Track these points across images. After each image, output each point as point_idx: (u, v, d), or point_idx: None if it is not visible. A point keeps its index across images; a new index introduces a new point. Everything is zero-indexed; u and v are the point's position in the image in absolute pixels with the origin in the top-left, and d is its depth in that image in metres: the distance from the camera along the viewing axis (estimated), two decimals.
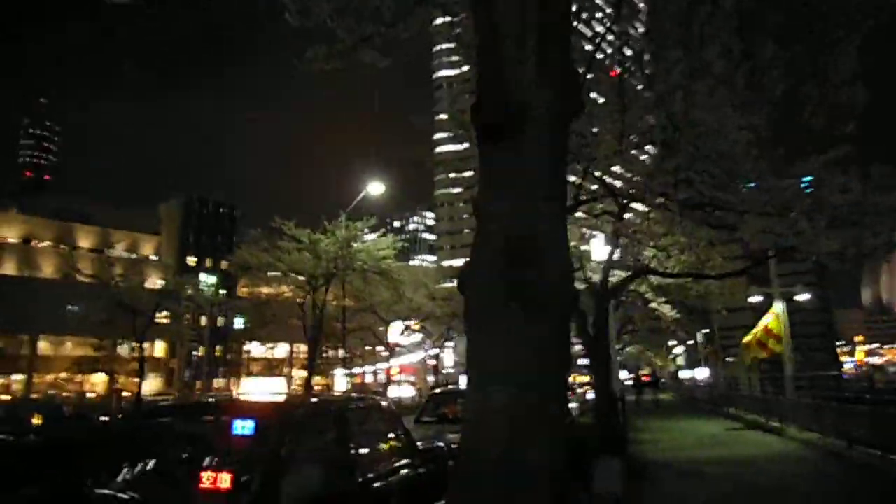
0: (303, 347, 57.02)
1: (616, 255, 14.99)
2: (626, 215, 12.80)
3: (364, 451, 4.81)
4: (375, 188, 25.28)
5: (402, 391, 45.72)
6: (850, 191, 8.04)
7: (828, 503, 8.66)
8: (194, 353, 71.56)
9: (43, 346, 65.42)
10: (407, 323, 39.98)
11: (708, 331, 53.80)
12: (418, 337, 46.06)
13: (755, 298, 24.89)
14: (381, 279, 26.06)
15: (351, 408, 5.18)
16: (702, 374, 49.37)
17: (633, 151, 10.65)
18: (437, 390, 15.44)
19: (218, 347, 72.15)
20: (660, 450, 14.63)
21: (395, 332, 47.16)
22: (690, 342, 47.08)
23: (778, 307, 19.41)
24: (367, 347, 51.23)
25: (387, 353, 45.98)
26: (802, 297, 29.52)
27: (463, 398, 3.03)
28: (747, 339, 20.26)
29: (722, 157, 9.28)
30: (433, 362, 63.39)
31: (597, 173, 11.43)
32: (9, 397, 56.89)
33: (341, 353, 39.82)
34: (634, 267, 13.50)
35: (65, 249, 67.76)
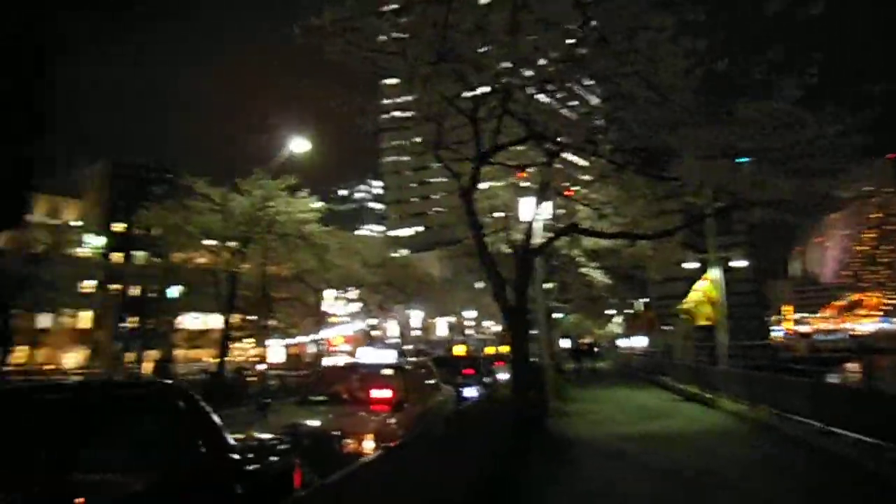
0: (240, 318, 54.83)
1: (547, 215, 13.61)
2: (556, 165, 11.37)
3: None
4: (299, 145, 23.15)
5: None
6: (804, 127, 6.70)
7: (756, 493, 7.49)
8: (122, 324, 67.82)
9: None
10: (339, 292, 38.19)
11: (647, 300, 54.08)
12: (356, 307, 44.37)
13: (690, 265, 24.01)
14: (304, 245, 24.08)
15: None
16: (639, 342, 49.52)
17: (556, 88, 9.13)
18: (328, 363, 13.76)
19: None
20: (590, 423, 13.49)
21: (329, 301, 45.37)
22: (629, 311, 46.96)
23: (714, 273, 18.51)
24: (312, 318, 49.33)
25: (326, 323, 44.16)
26: (738, 264, 28.97)
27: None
28: (686, 304, 19.38)
29: (659, 91, 7.85)
30: (378, 332, 62.01)
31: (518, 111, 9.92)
32: None
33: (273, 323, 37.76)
34: (560, 227, 12.13)
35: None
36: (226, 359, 27.39)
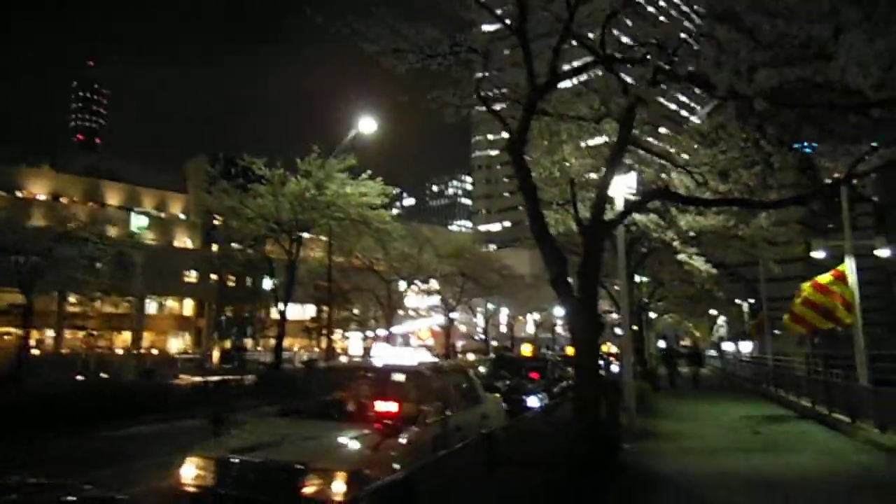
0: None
1: (627, 184, 10.49)
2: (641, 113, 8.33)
3: None
4: (366, 125, 21.04)
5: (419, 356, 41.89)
6: None
7: None
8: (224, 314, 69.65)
9: (72, 301, 64.50)
10: (417, 283, 36.07)
11: (753, 301, 48.18)
12: (436, 300, 42.19)
13: (818, 254, 19.25)
14: (367, 230, 21.94)
15: None
16: (745, 347, 44.07)
17: None
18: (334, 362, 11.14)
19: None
20: (683, 451, 10.23)
21: (411, 294, 43.44)
22: (734, 312, 41.72)
23: (849, 265, 14.41)
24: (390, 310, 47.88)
25: (402, 315, 42.35)
26: (883, 253, 22.66)
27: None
28: (801, 305, 15.38)
29: None
30: (464, 328, 59.68)
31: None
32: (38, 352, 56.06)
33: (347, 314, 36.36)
34: (647, 191, 8.96)
35: (93, 206, 66.72)
36: (299, 350, 25.96)
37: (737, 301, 40.84)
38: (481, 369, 15.70)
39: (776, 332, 43.76)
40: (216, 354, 46.14)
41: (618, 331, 23.04)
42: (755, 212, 11.78)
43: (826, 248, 16.52)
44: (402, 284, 31.11)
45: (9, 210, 29.60)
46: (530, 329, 61.05)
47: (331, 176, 20.24)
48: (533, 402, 12.15)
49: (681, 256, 13.93)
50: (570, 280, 8.34)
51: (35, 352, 57.94)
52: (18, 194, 62.32)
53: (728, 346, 51.58)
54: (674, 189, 10.25)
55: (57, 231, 21.53)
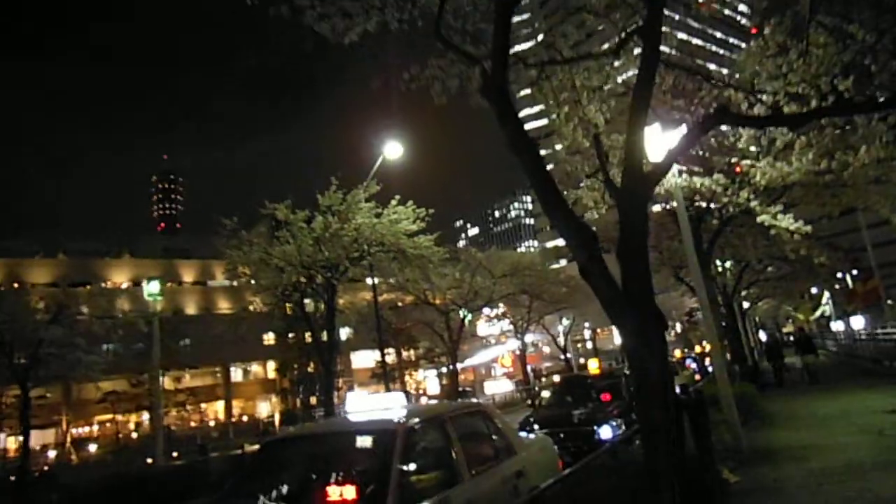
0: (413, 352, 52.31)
1: (662, 139, 7.89)
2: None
3: None
4: (392, 150, 19.21)
5: (498, 386, 39.17)
6: None
7: None
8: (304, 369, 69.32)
9: (164, 381, 66.02)
10: (485, 311, 33.59)
11: (857, 271, 42.46)
12: (507, 325, 39.53)
13: None
14: (403, 259, 19.81)
15: None
16: (857, 323, 38.64)
17: None
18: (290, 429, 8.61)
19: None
20: (814, 480, 7.24)
21: (481, 323, 40.90)
22: (836, 286, 36.61)
23: None
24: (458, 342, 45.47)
25: (476, 345, 39.89)
26: None
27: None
28: None
29: None
30: (548, 349, 56.30)
31: None
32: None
33: (414, 354, 34.23)
34: (703, 117, 6.27)
35: (172, 286, 68.83)
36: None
37: (838, 275, 35.84)
38: (545, 394, 13.04)
39: (889, 301, 38.14)
40: (276, 417, 44.80)
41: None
42: (854, 143, 8.77)
43: None
44: (464, 313, 28.69)
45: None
46: (618, 341, 56.91)
47: (352, 206, 18.32)
48: (606, 433, 9.42)
49: (762, 218, 10.81)
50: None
51: (133, 434, 59.08)
52: (104, 285, 64.84)
53: (837, 326, 45.66)
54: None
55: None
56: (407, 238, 19.84)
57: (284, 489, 4.63)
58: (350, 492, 4.22)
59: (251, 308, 32.79)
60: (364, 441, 4.79)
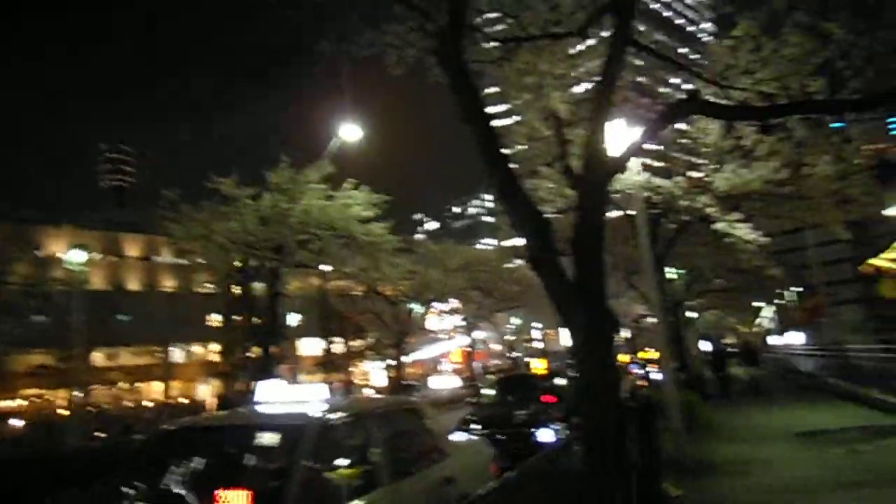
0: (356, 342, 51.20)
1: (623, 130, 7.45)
2: None
3: None
4: (350, 132, 18.36)
5: (444, 381, 38.71)
6: None
7: None
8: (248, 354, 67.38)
9: (98, 357, 63.18)
10: (436, 305, 33.06)
11: (802, 288, 43.61)
12: (452, 321, 39.14)
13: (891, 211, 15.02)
14: (354, 246, 19.01)
15: None
16: (796, 339, 39.70)
17: None
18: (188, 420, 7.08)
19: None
20: (758, 497, 6.90)
21: (433, 317, 40.38)
22: (785, 301, 37.48)
23: None
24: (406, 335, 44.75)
25: (427, 338, 39.35)
26: None
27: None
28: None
29: None
30: (497, 346, 56.09)
31: None
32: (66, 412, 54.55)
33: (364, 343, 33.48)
34: (673, 103, 5.80)
35: (114, 259, 66.00)
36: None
37: (785, 292, 36.71)
38: (488, 392, 12.51)
39: (823, 319, 39.29)
40: (210, 401, 43.14)
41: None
42: (815, 160, 8.53)
43: None
44: (414, 306, 28.02)
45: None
46: (566, 342, 57.16)
47: (302, 185, 17.39)
48: (546, 436, 8.96)
49: (719, 226, 10.52)
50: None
51: (64, 412, 56.31)
52: (37, 253, 61.54)
53: (776, 340, 46.89)
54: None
55: None
56: (360, 224, 19.06)
57: (168, 488, 3.93)
58: (240, 498, 3.56)
59: (196, 288, 31.37)
60: (268, 437, 4.12)
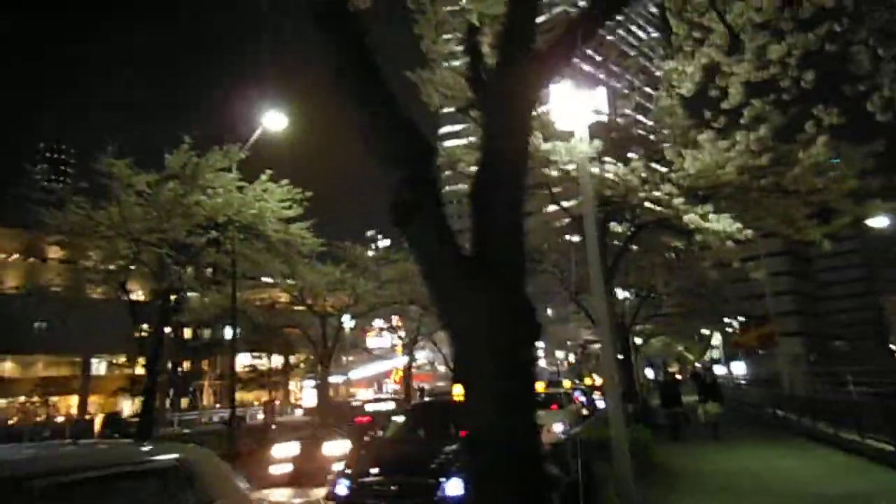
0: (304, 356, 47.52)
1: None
2: None
3: None
4: (274, 121, 15.82)
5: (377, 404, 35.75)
6: None
7: None
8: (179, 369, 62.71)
9: (9, 367, 57.61)
10: (377, 322, 30.44)
11: (744, 318, 42.88)
12: (391, 339, 36.58)
13: (879, 222, 12.93)
14: (264, 246, 16.41)
15: None
16: (737, 369, 38.82)
17: None
18: None
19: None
20: None
21: (371, 336, 37.69)
22: (734, 328, 36.39)
23: None
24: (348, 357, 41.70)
25: (361, 358, 36.61)
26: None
27: None
28: None
29: None
30: (442, 368, 53.52)
31: None
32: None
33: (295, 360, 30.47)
34: None
35: (33, 261, 60.92)
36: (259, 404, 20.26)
37: (733, 321, 35.66)
38: (397, 420, 10.01)
39: (760, 351, 38.57)
40: (98, 420, 38.67)
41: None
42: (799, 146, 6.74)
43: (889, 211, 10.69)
44: (345, 320, 25.33)
45: None
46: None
47: (202, 170, 14.70)
48: (455, 488, 6.57)
49: (689, 218, 8.44)
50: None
51: None
52: None
53: (719, 370, 45.90)
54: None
55: None
56: (277, 221, 16.51)
57: None
58: None
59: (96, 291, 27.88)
60: None
